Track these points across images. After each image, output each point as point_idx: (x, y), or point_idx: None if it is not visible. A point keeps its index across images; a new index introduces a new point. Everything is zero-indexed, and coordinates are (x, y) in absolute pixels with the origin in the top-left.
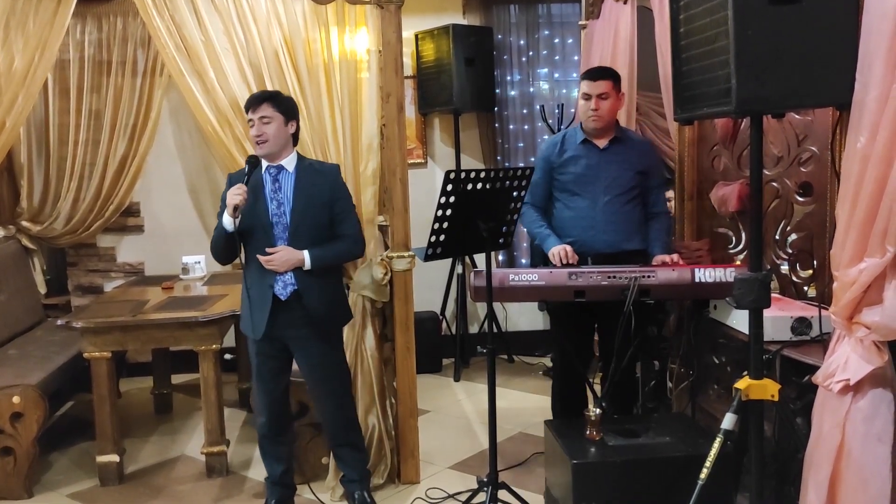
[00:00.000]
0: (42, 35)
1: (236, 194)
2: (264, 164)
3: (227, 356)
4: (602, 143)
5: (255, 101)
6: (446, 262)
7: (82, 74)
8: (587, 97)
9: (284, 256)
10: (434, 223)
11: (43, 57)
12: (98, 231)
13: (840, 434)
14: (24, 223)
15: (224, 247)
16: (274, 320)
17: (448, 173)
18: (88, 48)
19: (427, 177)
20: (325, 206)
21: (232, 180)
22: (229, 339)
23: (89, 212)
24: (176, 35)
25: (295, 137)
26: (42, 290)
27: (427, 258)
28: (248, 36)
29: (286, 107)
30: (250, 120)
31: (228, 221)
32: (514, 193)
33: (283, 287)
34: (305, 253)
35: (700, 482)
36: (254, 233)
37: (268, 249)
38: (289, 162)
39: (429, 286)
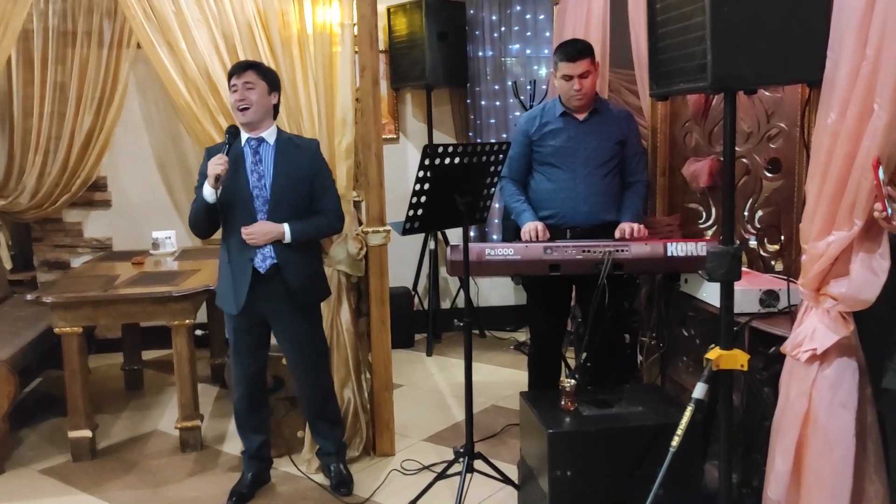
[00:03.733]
0: (4, 11)
1: (217, 164)
2: (244, 136)
3: (199, 332)
4: (582, 115)
5: (239, 68)
6: (418, 238)
7: (46, 45)
8: (568, 78)
9: (264, 229)
10: (412, 197)
11: (6, 33)
12: (64, 206)
13: (806, 401)
14: None
15: (204, 219)
16: (253, 294)
17: (426, 148)
18: (52, 18)
19: (399, 152)
20: (305, 180)
21: (210, 154)
22: (201, 316)
23: (55, 186)
24: (146, 3)
25: (276, 109)
26: (7, 265)
27: (405, 232)
28: (221, 6)
29: (270, 77)
30: (233, 86)
31: (209, 193)
32: (491, 168)
33: (263, 260)
34: (285, 226)
35: (672, 450)
36: (233, 206)
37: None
38: (269, 134)
39: (401, 261)
